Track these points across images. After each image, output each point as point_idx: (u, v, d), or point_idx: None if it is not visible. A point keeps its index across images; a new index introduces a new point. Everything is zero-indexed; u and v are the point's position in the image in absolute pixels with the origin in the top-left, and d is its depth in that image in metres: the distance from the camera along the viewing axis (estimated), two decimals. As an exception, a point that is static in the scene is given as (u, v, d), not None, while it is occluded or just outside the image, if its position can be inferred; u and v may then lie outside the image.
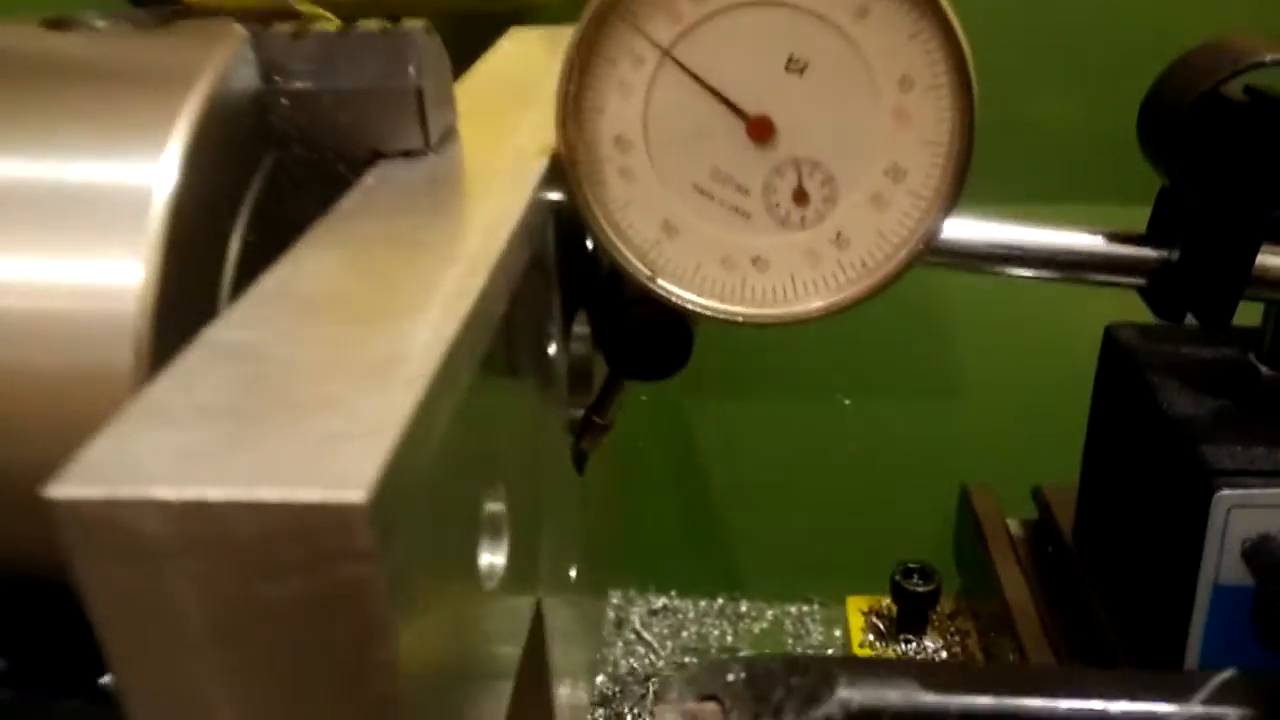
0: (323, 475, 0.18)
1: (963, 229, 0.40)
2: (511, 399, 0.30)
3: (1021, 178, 0.81)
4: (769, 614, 1.16)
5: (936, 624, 0.65)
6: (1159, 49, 0.76)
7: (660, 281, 0.35)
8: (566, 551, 0.39)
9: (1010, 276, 0.41)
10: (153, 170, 0.30)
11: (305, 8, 0.38)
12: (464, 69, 0.54)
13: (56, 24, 0.34)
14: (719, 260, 0.35)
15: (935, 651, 0.63)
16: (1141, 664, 0.50)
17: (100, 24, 0.35)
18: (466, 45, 0.59)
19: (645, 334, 0.37)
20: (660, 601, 1.18)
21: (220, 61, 0.32)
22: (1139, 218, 0.42)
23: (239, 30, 0.32)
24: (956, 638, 0.64)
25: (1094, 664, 0.53)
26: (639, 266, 0.35)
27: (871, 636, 0.66)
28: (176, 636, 0.18)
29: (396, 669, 0.19)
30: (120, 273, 0.29)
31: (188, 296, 0.30)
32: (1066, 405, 0.60)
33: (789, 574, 1.12)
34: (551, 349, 0.35)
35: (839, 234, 0.34)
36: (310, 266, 0.26)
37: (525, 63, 0.48)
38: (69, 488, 0.18)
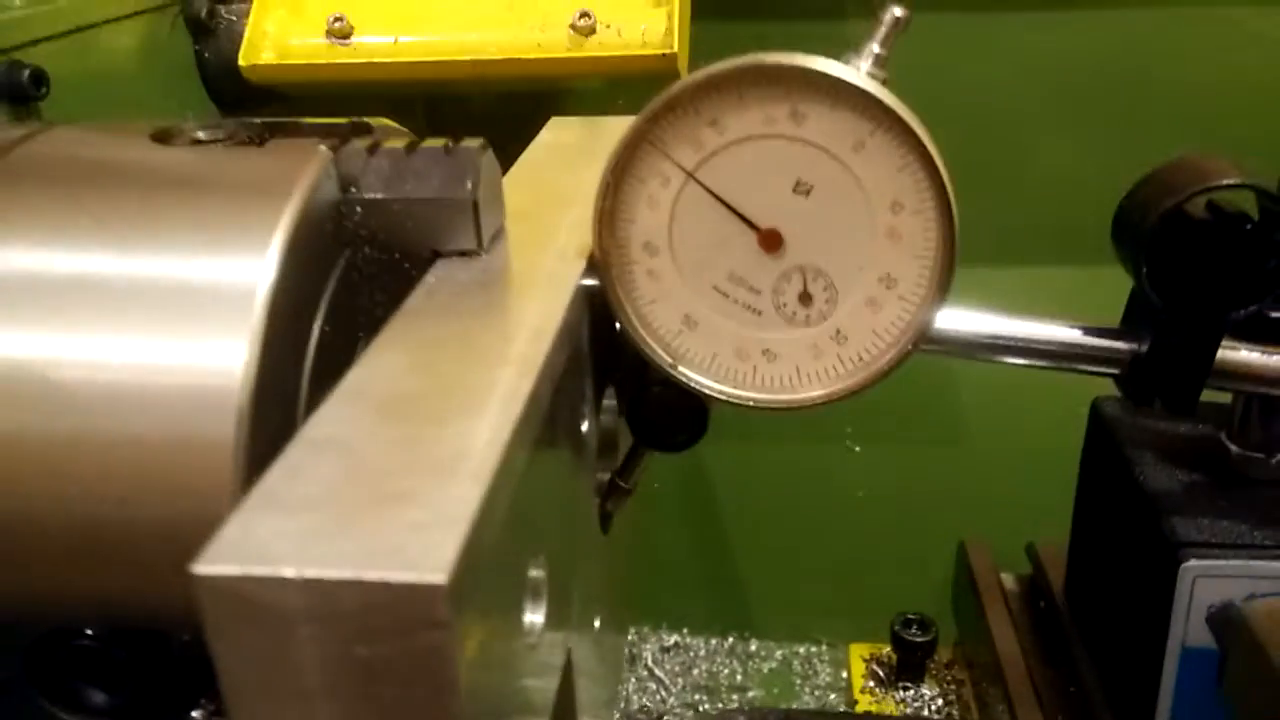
0: (412, 559, 0.22)
1: (954, 320, 0.45)
2: (553, 475, 0.34)
3: (1048, 236, 0.86)
4: (778, 654, 1.19)
5: (934, 672, 0.69)
6: (1181, 108, 0.80)
7: (681, 369, 0.39)
8: (592, 603, 0.43)
9: (997, 363, 0.45)
10: (257, 268, 0.35)
11: (379, 122, 0.43)
12: (513, 140, 0.58)
13: (163, 137, 0.40)
14: (733, 351, 0.39)
15: (932, 699, 0.67)
16: (1121, 718, 0.54)
17: (201, 134, 0.41)
18: (519, 118, 0.64)
19: (667, 412, 0.42)
20: (673, 639, 1.21)
21: (309, 177, 0.37)
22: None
23: (323, 150, 0.38)
24: (952, 686, 0.68)
25: (1078, 717, 0.57)
26: (662, 355, 0.39)
27: (872, 683, 0.69)
28: (292, 689, 0.23)
29: (462, 717, 0.23)
30: (228, 355, 0.34)
31: (279, 377, 0.35)
32: (1067, 462, 0.63)
33: (798, 616, 1.16)
34: (584, 425, 0.40)
35: (839, 331, 0.38)
36: (384, 369, 0.31)
37: (563, 157, 0.53)
38: (211, 565, 0.22)
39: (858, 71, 0.35)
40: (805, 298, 0.38)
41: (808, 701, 1.09)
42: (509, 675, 0.29)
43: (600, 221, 0.38)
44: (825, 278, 0.38)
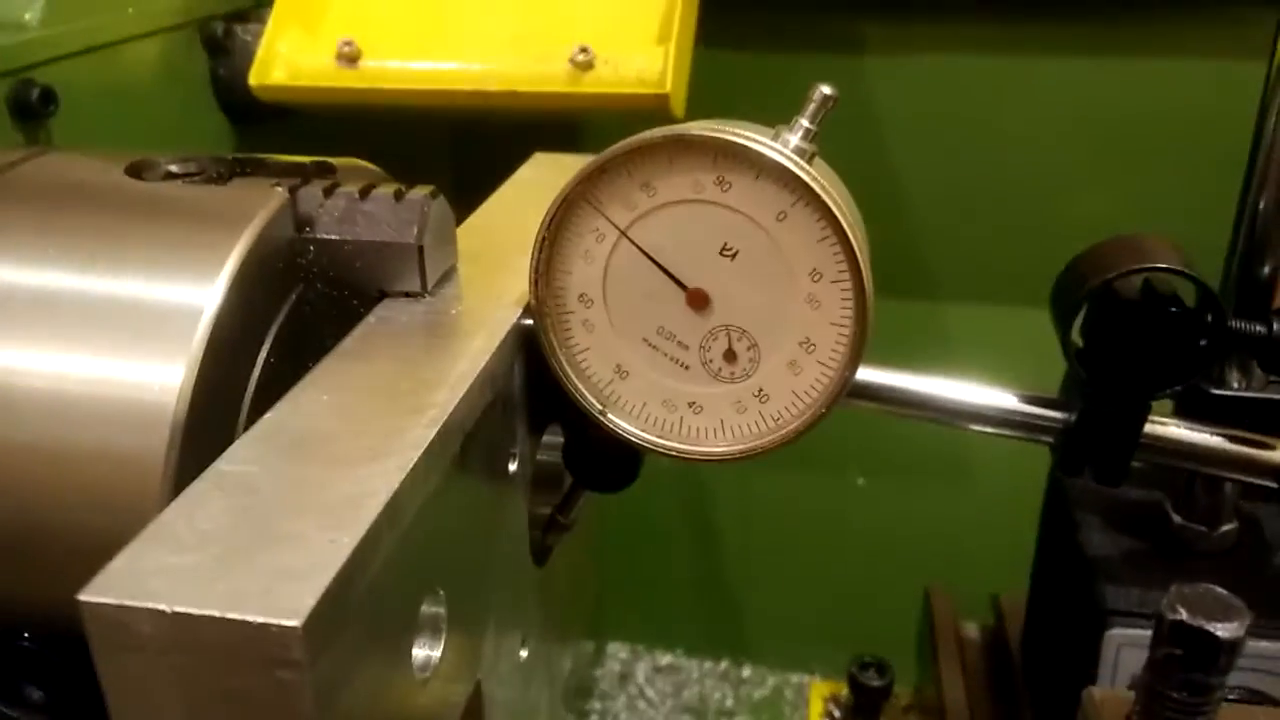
0: (274, 604, 0.24)
1: (892, 380, 0.46)
2: (461, 516, 0.36)
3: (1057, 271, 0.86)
4: (770, 681, 1.20)
5: (891, 715, 0.70)
6: (1195, 149, 0.80)
7: (610, 415, 0.41)
8: (515, 634, 0.45)
9: (936, 424, 0.47)
10: (204, 295, 0.37)
11: (349, 162, 0.45)
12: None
13: (137, 170, 0.42)
14: (661, 401, 0.41)
15: (885, 742, 0.68)
16: (1058, 776, 0.55)
17: (174, 168, 0.43)
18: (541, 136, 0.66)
19: (602, 455, 0.44)
20: (666, 659, 1.23)
21: (266, 213, 0.39)
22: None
23: (280, 191, 0.40)
24: (907, 730, 0.69)
25: (1018, 771, 0.58)
26: (593, 402, 0.41)
27: (828, 722, 0.70)
28: (160, 713, 0.25)
29: (320, 748, 0.25)
30: (167, 374, 0.36)
31: (217, 400, 0.37)
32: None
33: (793, 643, 1.17)
34: (512, 466, 0.41)
35: (761, 390, 0.40)
36: (305, 408, 0.33)
37: (537, 196, 0.54)
38: (93, 595, 0.25)
39: (785, 145, 0.37)
40: (730, 355, 0.39)
41: (794, 729, 1.10)
42: (394, 709, 0.31)
43: (537, 272, 0.39)
44: (749, 338, 0.39)
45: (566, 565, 0.53)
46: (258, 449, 0.31)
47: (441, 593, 0.33)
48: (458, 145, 0.98)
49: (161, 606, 0.24)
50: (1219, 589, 0.26)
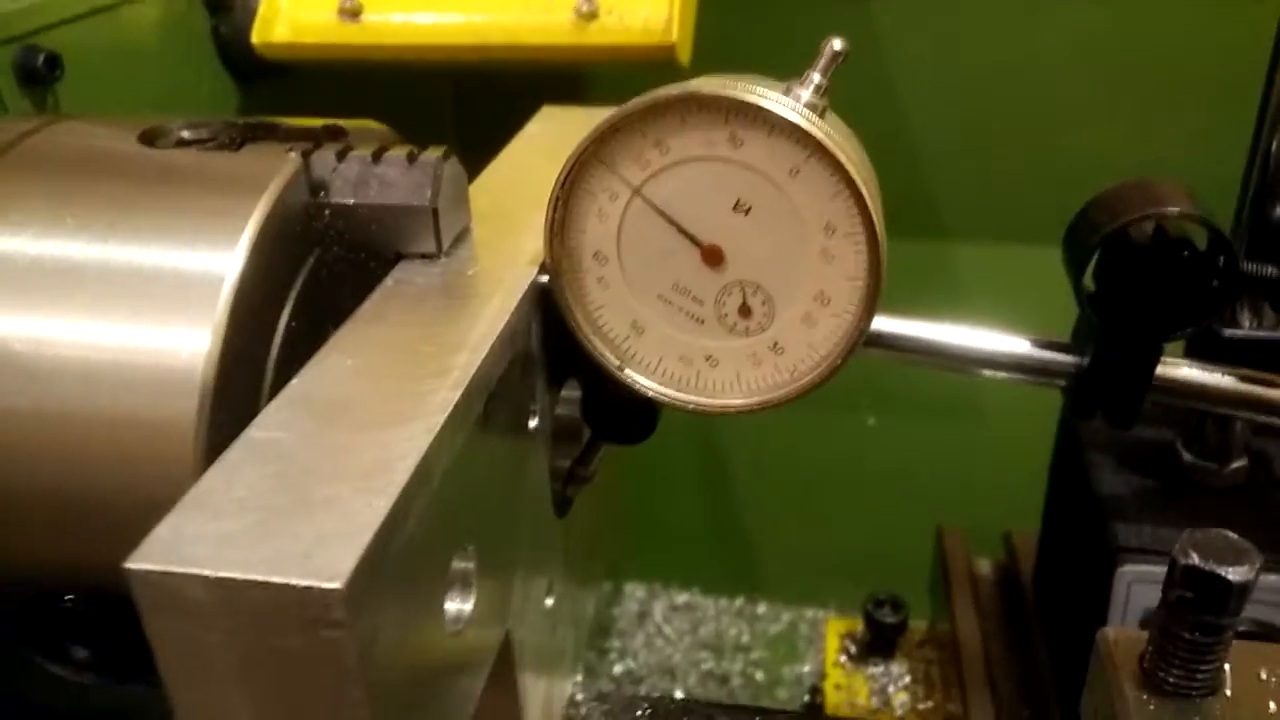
0: (315, 566, 0.25)
1: (904, 329, 0.46)
2: (487, 474, 0.37)
3: (1066, 207, 0.86)
4: (784, 617, 1.22)
5: (905, 650, 0.71)
6: (1207, 80, 0.79)
7: (628, 371, 0.42)
8: (540, 584, 0.46)
9: (946, 370, 0.47)
10: (226, 258, 0.38)
11: (360, 124, 0.45)
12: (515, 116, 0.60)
13: (150, 137, 0.43)
14: (678, 356, 0.41)
15: (900, 675, 0.70)
16: (1070, 710, 0.56)
17: (186, 134, 0.43)
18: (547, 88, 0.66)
19: (619, 408, 0.44)
20: (683, 598, 1.25)
21: (280, 180, 0.39)
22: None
23: (294, 156, 0.40)
24: (922, 665, 0.70)
25: (1030, 703, 0.59)
26: (610, 358, 0.42)
27: (844, 658, 0.72)
28: (210, 670, 0.26)
29: (365, 704, 0.26)
30: (194, 339, 0.37)
31: (243, 362, 0.38)
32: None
33: (807, 579, 1.19)
34: (533, 422, 0.42)
35: (776, 343, 0.40)
36: (331, 373, 0.34)
37: (547, 151, 0.55)
38: (140, 562, 0.25)
39: (796, 101, 0.37)
40: (745, 310, 0.40)
41: (810, 664, 1.13)
42: (429, 659, 0.32)
43: (551, 231, 0.40)
44: (764, 292, 0.39)
45: (587, 513, 0.54)
46: (287, 415, 0.31)
47: (470, 548, 0.34)
48: (462, 97, 0.97)
49: (206, 572, 0.25)
50: (1230, 533, 0.27)
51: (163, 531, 0.26)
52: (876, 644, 0.70)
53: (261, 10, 0.73)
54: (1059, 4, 0.86)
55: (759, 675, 1.14)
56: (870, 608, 0.70)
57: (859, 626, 0.73)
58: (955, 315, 1.02)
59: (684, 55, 0.72)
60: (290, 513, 0.27)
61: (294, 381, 0.33)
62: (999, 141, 0.92)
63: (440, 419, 0.31)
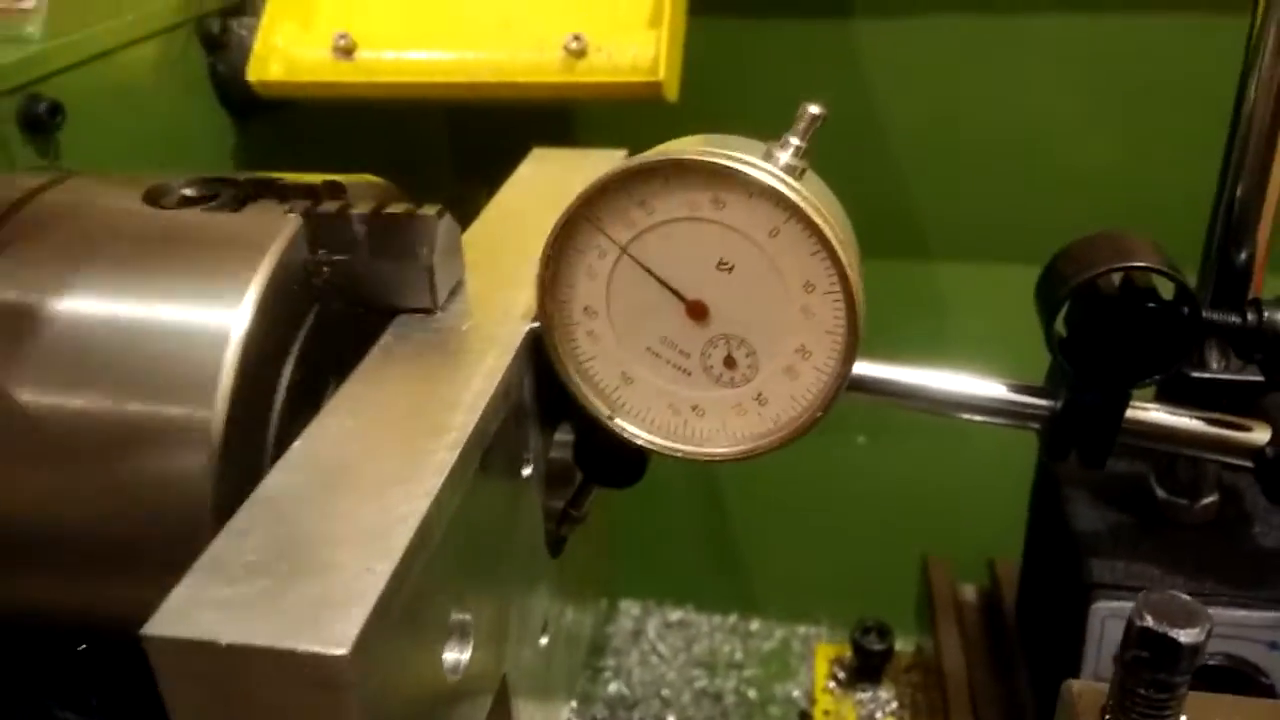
0: (321, 634, 0.27)
1: (882, 373, 0.48)
2: (482, 524, 0.38)
3: (1053, 226, 0.88)
4: (777, 634, 1.23)
5: (893, 675, 0.73)
6: (1194, 97, 0.81)
7: (617, 420, 0.43)
8: (535, 623, 0.47)
9: (925, 413, 0.49)
10: (231, 317, 0.39)
11: (360, 179, 0.47)
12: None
13: (155, 196, 0.44)
14: (666, 406, 0.43)
15: (887, 701, 0.71)
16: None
17: (189, 192, 0.45)
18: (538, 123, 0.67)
19: (610, 453, 0.46)
20: (676, 615, 1.26)
21: (281, 240, 0.41)
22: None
23: (294, 217, 0.42)
24: (908, 690, 0.72)
25: (1011, 730, 0.61)
26: (600, 407, 0.43)
27: (833, 684, 0.74)
28: (222, 730, 0.27)
29: (367, 758, 0.28)
30: (202, 396, 0.38)
31: (249, 417, 0.40)
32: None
33: (799, 597, 1.20)
34: (526, 470, 0.44)
35: (760, 394, 0.42)
36: (332, 434, 0.35)
37: (538, 197, 0.56)
38: (155, 629, 0.27)
39: (775, 165, 0.38)
40: (730, 362, 0.42)
41: (801, 682, 1.14)
42: (430, 708, 0.34)
43: (543, 288, 0.41)
44: (747, 345, 0.41)
45: (580, 550, 0.55)
46: (292, 478, 0.33)
47: (467, 599, 0.36)
48: (455, 126, 0.99)
49: (218, 639, 0.27)
50: (1183, 596, 0.29)
51: (176, 599, 0.28)
52: (864, 670, 0.71)
53: (256, 49, 0.74)
54: (1045, 23, 0.87)
55: (751, 693, 1.15)
56: (858, 635, 0.71)
57: (847, 652, 0.74)
58: (942, 334, 1.03)
59: (671, 92, 0.74)
60: (297, 579, 0.28)
61: (297, 444, 0.35)
62: (984, 160, 0.93)
63: (438, 481, 0.32)
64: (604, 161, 0.61)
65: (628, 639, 1.23)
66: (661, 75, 0.71)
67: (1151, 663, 0.28)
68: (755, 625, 1.23)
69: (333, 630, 0.27)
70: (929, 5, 0.90)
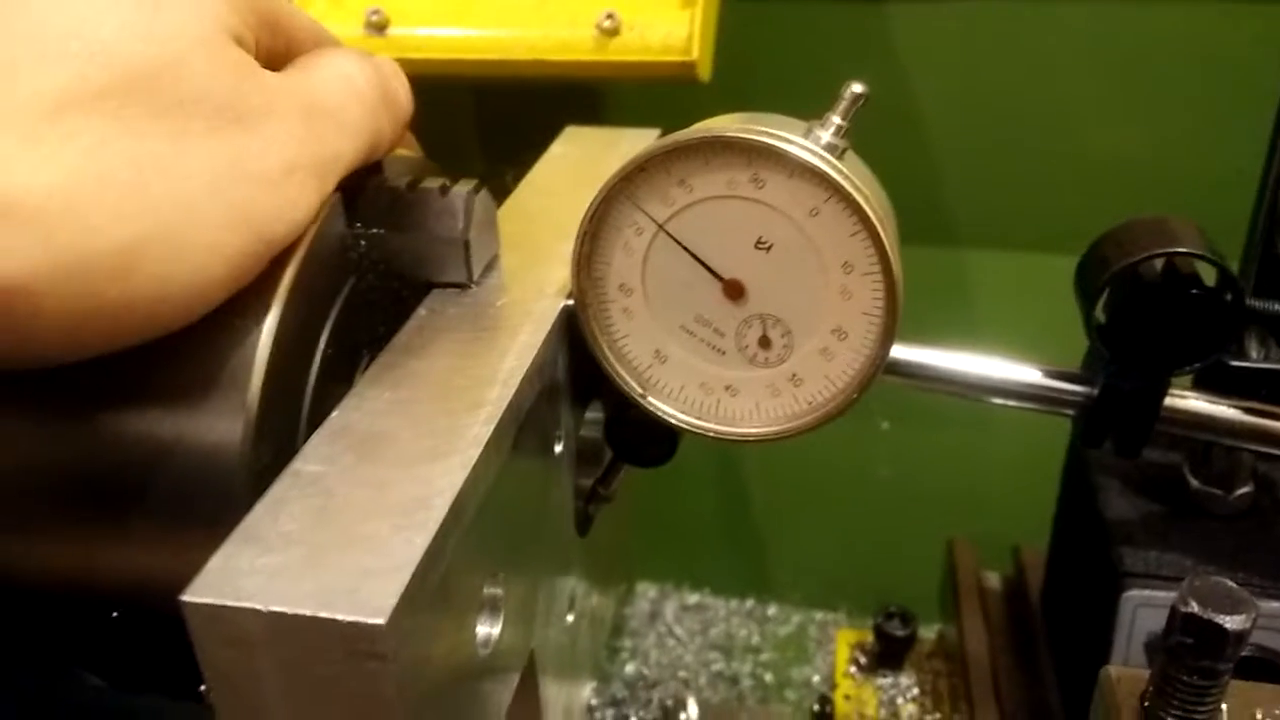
0: (360, 602, 0.27)
1: (915, 356, 0.48)
2: (515, 501, 0.39)
3: (1085, 213, 0.87)
4: (794, 619, 1.23)
5: (915, 661, 0.73)
6: (1227, 81, 0.80)
7: (650, 398, 0.43)
8: (563, 601, 0.47)
9: (958, 397, 0.48)
10: (272, 284, 0.39)
11: (393, 153, 0.46)
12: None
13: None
14: (699, 385, 0.43)
15: (908, 687, 0.71)
16: (1075, 725, 0.57)
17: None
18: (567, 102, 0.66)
19: (641, 432, 0.46)
20: (694, 598, 1.26)
21: (321, 213, 0.41)
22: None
23: (333, 191, 0.41)
24: (930, 676, 0.71)
25: (1036, 718, 0.61)
26: (634, 385, 0.43)
27: (854, 669, 0.73)
28: (258, 696, 0.28)
29: (402, 728, 0.28)
30: (240, 365, 0.38)
31: (284, 388, 0.39)
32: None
33: (817, 582, 1.20)
34: (558, 447, 0.44)
35: (795, 375, 0.42)
36: (369, 406, 0.35)
37: (572, 175, 0.56)
38: (196, 595, 0.27)
39: (816, 144, 0.38)
40: (765, 342, 0.41)
41: (819, 667, 1.14)
42: (461, 681, 0.34)
43: (578, 264, 0.41)
44: (783, 326, 0.41)
45: (606, 531, 0.55)
46: (329, 449, 0.33)
47: (500, 574, 0.36)
48: (482, 105, 0.99)
49: (258, 606, 0.27)
50: (1229, 582, 0.28)
51: (216, 564, 0.28)
52: (886, 656, 0.71)
53: (290, 24, 0.74)
54: (1079, 8, 0.86)
55: (768, 677, 1.15)
56: (880, 620, 0.71)
57: (869, 637, 0.74)
58: (972, 322, 1.02)
59: (704, 72, 0.73)
60: (335, 548, 0.28)
61: (335, 414, 0.35)
62: (1016, 146, 0.92)
63: (475, 454, 0.32)
64: (638, 140, 0.61)
65: (645, 621, 1.23)
66: (695, 55, 0.71)
67: (1195, 649, 0.28)
68: (772, 610, 1.23)
69: (370, 600, 0.27)
70: (964, -13, 0.89)
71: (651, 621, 1.24)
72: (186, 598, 0.27)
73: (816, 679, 1.05)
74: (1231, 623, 0.27)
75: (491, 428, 0.34)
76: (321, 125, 0.37)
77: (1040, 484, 0.67)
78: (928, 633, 0.80)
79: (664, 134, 0.55)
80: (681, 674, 1.15)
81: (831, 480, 1.14)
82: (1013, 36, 0.88)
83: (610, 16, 0.73)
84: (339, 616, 0.26)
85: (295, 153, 0.36)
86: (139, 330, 0.33)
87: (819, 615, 1.21)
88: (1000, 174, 0.93)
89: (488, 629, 0.35)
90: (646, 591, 1.25)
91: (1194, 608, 0.27)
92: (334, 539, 0.29)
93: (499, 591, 0.36)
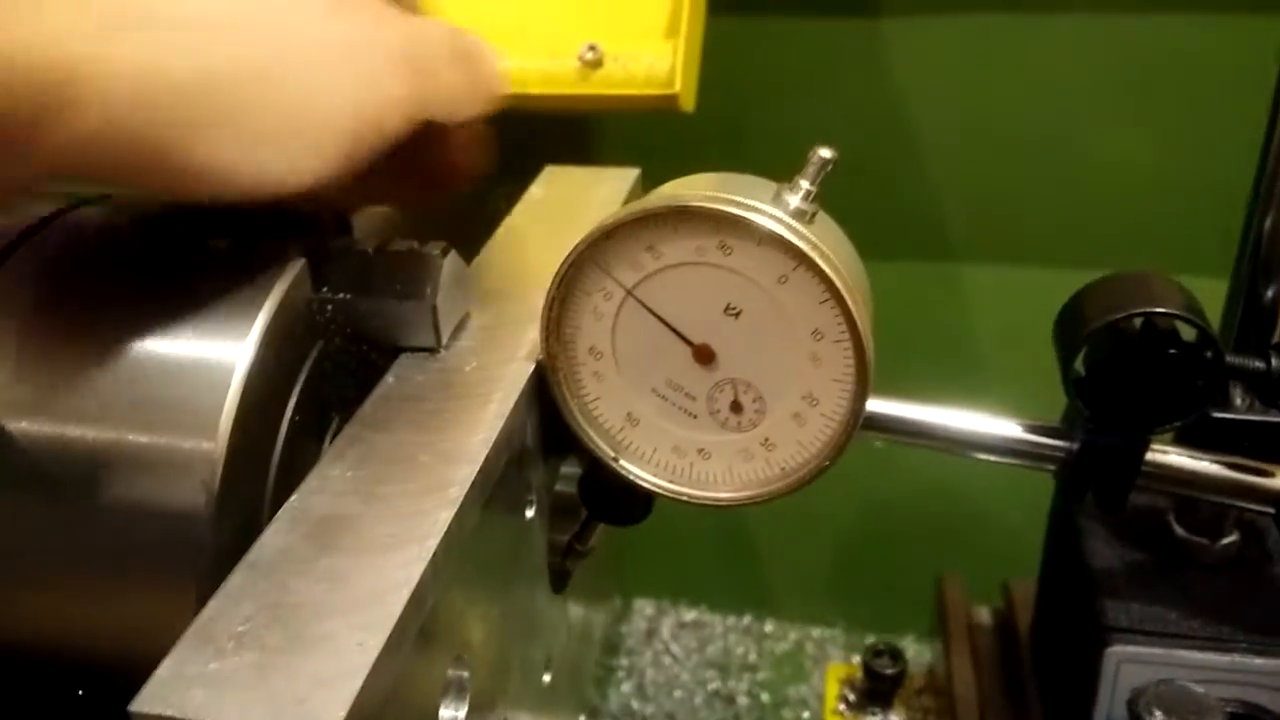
0: (308, 715, 0.26)
1: (894, 410, 0.47)
2: (483, 576, 0.38)
3: (1083, 225, 0.86)
4: (791, 635, 1.23)
5: (904, 698, 0.72)
6: (1226, 92, 0.78)
7: (622, 461, 0.43)
8: (538, 664, 0.47)
9: (938, 451, 0.48)
10: (237, 350, 0.39)
11: (363, 209, 0.46)
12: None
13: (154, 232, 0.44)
14: (671, 448, 0.42)
15: (898, 725, 0.70)
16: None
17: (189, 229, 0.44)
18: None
19: (616, 492, 0.45)
20: (690, 615, 1.26)
21: (286, 279, 0.40)
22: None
23: (298, 256, 0.41)
24: (919, 714, 0.71)
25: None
26: (605, 449, 0.42)
27: (843, 706, 0.73)
28: (209, 810, 0.27)
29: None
30: (204, 434, 0.37)
31: (250, 458, 0.39)
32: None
33: (815, 599, 1.20)
34: (530, 511, 0.43)
35: (767, 439, 0.41)
36: (331, 486, 0.35)
37: (551, 220, 0.55)
38: (142, 706, 0.27)
39: (785, 210, 0.37)
40: (736, 406, 0.41)
41: (815, 686, 1.14)
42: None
43: (547, 328, 0.41)
44: (754, 390, 0.40)
45: (585, 581, 0.55)
46: (286, 538, 0.33)
47: (464, 655, 0.35)
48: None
49: (205, 718, 0.26)
50: (1193, 687, 0.28)
51: (165, 672, 0.27)
52: (874, 694, 0.71)
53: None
54: (1073, 22, 0.85)
55: (765, 696, 1.15)
56: (869, 658, 0.70)
57: (858, 673, 0.74)
58: (970, 337, 1.01)
59: (688, 103, 0.72)
60: (287, 652, 0.28)
61: (295, 497, 0.34)
62: (1012, 158, 0.91)
63: (434, 543, 0.32)
64: (618, 181, 0.61)
65: (641, 639, 1.22)
66: (677, 87, 0.70)
67: (1161, 758, 0.27)
68: (769, 627, 1.22)
69: (320, 711, 0.26)
70: (956, 3, 0.88)
71: (648, 640, 1.24)
72: (134, 708, 0.27)
73: (813, 700, 1.04)
74: (1198, 732, 0.27)
75: (454, 511, 0.33)
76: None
77: (1032, 513, 0.66)
78: (920, 655, 0.79)
79: (645, 173, 0.55)
80: (677, 694, 1.15)
81: (826, 498, 1.13)
82: (1008, 50, 0.87)
83: (593, 48, 0.72)
84: (288, 732, 0.26)
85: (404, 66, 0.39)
86: (260, 169, 0.36)
87: (816, 632, 1.21)
88: (993, 188, 0.93)
89: (453, 713, 0.35)
90: (643, 609, 1.25)
91: (1157, 717, 0.27)
92: (287, 641, 0.28)
93: (464, 673, 0.35)
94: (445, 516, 0.33)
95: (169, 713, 0.26)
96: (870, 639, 0.93)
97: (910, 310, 0.86)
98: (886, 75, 0.92)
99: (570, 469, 0.49)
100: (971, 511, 1.04)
